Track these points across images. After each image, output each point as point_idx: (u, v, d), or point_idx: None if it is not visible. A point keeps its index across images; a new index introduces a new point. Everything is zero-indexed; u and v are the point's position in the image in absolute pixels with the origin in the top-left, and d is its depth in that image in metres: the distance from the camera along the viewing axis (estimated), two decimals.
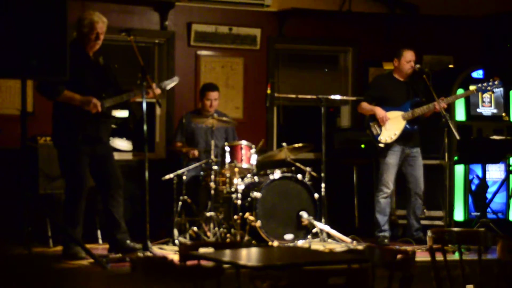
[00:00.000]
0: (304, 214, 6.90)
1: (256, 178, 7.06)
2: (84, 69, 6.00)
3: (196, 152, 7.29)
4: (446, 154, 7.01)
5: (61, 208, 6.88)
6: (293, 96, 7.78)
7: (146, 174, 5.96)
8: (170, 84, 6.49)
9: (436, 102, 6.92)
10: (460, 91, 7.69)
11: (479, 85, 7.19)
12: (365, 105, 7.27)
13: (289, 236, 6.86)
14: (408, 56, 7.19)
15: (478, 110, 8.05)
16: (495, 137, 7.82)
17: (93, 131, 6.01)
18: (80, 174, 6.00)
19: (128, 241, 6.11)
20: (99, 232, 6.98)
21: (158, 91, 6.28)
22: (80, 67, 5.95)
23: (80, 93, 5.94)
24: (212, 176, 6.86)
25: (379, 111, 7.14)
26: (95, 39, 6.02)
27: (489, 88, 7.16)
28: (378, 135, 7.15)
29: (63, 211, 6.17)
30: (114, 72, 6.39)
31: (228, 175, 7.02)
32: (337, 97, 7.73)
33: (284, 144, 7.28)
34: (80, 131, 5.96)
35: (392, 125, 7.13)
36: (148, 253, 5.91)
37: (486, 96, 8.06)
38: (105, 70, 6.18)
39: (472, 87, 7.34)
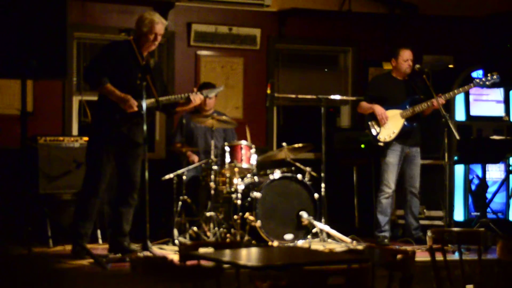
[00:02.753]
0: (304, 214, 6.90)
1: (256, 178, 7.06)
2: (130, 68, 5.95)
3: (195, 158, 7.29)
4: (446, 154, 7.01)
5: (61, 208, 6.91)
6: (293, 96, 7.77)
7: (146, 174, 5.95)
8: (214, 92, 6.48)
9: (434, 98, 6.93)
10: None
11: (477, 79, 7.19)
12: (364, 104, 7.28)
13: (289, 236, 6.86)
14: (406, 55, 7.20)
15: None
16: (495, 137, 7.82)
17: (124, 130, 6.00)
18: (99, 171, 5.99)
19: (126, 243, 6.11)
20: (99, 232, 6.98)
21: (199, 98, 6.24)
22: (127, 65, 5.94)
23: (121, 90, 5.91)
24: (212, 176, 6.86)
25: (378, 109, 7.14)
26: (153, 40, 6.02)
27: (487, 82, 7.15)
28: (377, 134, 7.15)
29: (76, 203, 6.17)
30: (164, 75, 6.33)
31: (228, 175, 7.02)
32: (337, 97, 7.73)
33: (284, 144, 7.28)
34: (112, 127, 5.96)
35: (391, 124, 7.13)
36: (148, 253, 5.91)
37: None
38: (154, 73, 6.13)
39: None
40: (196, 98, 6.21)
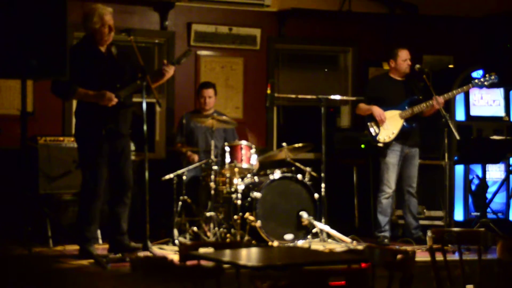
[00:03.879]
0: (304, 214, 6.90)
1: (256, 178, 7.06)
2: (96, 65, 5.95)
3: (196, 158, 7.29)
4: (446, 154, 7.01)
5: (61, 208, 6.90)
6: (293, 96, 7.77)
7: (146, 174, 5.95)
8: (184, 58, 6.37)
9: (434, 99, 6.93)
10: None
11: (475, 80, 7.20)
12: (362, 106, 7.29)
13: (289, 236, 6.86)
14: (404, 55, 7.20)
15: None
16: (495, 137, 7.82)
17: (113, 125, 5.99)
18: (98, 172, 5.98)
19: (125, 241, 6.11)
20: (99, 232, 6.97)
21: (171, 68, 6.18)
22: (92, 64, 5.93)
23: (95, 88, 5.89)
24: (212, 176, 6.86)
25: (376, 110, 7.15)
26: (109, 32, 6.00)
27: (486, 83, 7.15)
28: (377, 134, 7.15)
29: (78, 208, 6.16)
30: (131, 57, 6.16)
31: (228, 175, 7.02)
32: (337, 97, 7.73)
33: (284, 144, 7.28)
34: (102, 126, 5.94)
35: (390, 124, 7.13)
36: (148, 253, 5.91)
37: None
38: (119, 60, 6.10)
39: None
40: (168, 69, 6.14)
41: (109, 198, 6.20)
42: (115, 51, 6.10)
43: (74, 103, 7.84)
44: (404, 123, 7.15)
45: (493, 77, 7.12)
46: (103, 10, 6.01)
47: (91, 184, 5.99)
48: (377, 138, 7.14)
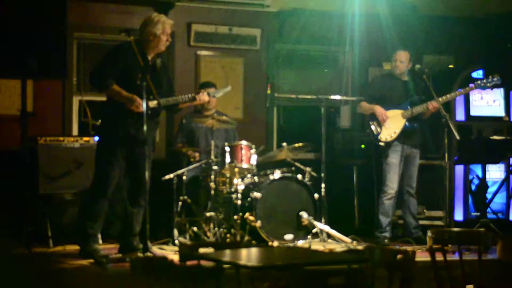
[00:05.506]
0: (304, 214, 6.90)
1: (256, 178, 7.06)
2: (138, 70, 5.94)
3: (197, 155, 7.29)
4: (446, 154, 7.01)
5: (61, 208, 6.90)
6: (293, 96, 7.78)
7: (146, 174, 5.96)
8: (221, 92, 6.50)
9: (433, 100, 6.93)
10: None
11: (478, 81, 7.19)
12: (364, 105, 7.29)
13: (289, 236, 6.86)
14: (402, 56, 7.21)
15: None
16: (495, 137, 7.82)
17: (133, 130, 6.00)
18: (108, 172, 5.98)
19: (135, 243, 6.11)
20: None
21: (205, 98, 6.29)
22: (135, 67, 5.93)
23: (129, 91, 5.93)
24: (212, 176, 6.86)
25: (378, 109, 7.15)
26: (166, 41, 6.06)
27: (488, 84, 7.15)
28: (378, 134, 7.15)
29: (83, 204, 6.16)
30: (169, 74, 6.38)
31: (228, 175, 7.02)
32: (337, 97, 7.73)
33: (284, 144, 7.28)
34: (121, 128, 5.97)
35: (392, 124, 7.13)
36: (148, 253, 5.91)
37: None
38: (161, 73, 6.16)
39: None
40: (202, 98, 6.26)
41: (128, 199, 6.21)
42: (160, 63, 6.18)
43: (75, 104, 7.89)
44: (406, 123, 7.15)
45: (495, 78, 7.11)
46: (167, 20, 6.10)
47: (100, 182, 6.00)
48: (379, 137, 7.15)
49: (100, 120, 6.29)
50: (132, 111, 5.92)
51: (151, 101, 5.97)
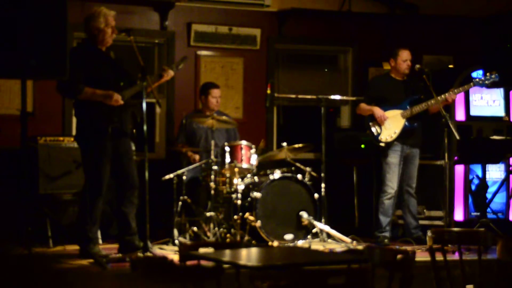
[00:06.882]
0: (304, 214, 6.90)
1: (256, 178, 7.06)
2: (100, 65, 6.02)
3: (197, 157, 7.30)
4: (446, 154, 7.01)
5: (61, 208, 6.90)
6: (293, 96, 7.78)
7: (146, 174, 5.96)
8: (182, 63, 6.47)
9: (448, 94, 6.95)
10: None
11: (476, 79, 7.20)
12: (363, 106, 7.29)
13: (289, 236, 6.86)
14: (404, 55, 7.21)
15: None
16: (495, 137, 7.82)
17: (119, 124, 6.03)
18: (102, 171, 5.99)
19: (136, 241, 6.11)
20: (99, 232, 6.97)
21: (171, 72, 6.29)
22: (96, 63, 5.99)
23: (100, 88, 5.95)
24: (212, 176, 6.86)
25: (377, 111, 7.15)
26: (112, 33, 6.07)
27: (486, 82, 7.15)
28: (379, 134, 7.15)
29: (80, 208, 6.15)
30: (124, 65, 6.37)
31: (228, 175, 7.02)
32: (337, 97, 7.73)
33: (284, 144, 7.28)
34: (107, 125, 5.97)
35: (392, 124, 7.14)
36: (148, 253, 5.91)
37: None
38: (118, 63, 6.19)
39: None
40: (167, 74, 6.26)
41: (115, 198, 6.21)
42: (114, 56, 6.19)
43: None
44: (406, 123, 7.15)
45: (494, 76, 7.12)
46: (108, 12, 6.11)
47: (96, 184, 5.99)
48: (379, 137, 7.15)
49: (77, 123, 6.22)
50: (111, 106, 5.92)
51: (127, 91, 6.01)
